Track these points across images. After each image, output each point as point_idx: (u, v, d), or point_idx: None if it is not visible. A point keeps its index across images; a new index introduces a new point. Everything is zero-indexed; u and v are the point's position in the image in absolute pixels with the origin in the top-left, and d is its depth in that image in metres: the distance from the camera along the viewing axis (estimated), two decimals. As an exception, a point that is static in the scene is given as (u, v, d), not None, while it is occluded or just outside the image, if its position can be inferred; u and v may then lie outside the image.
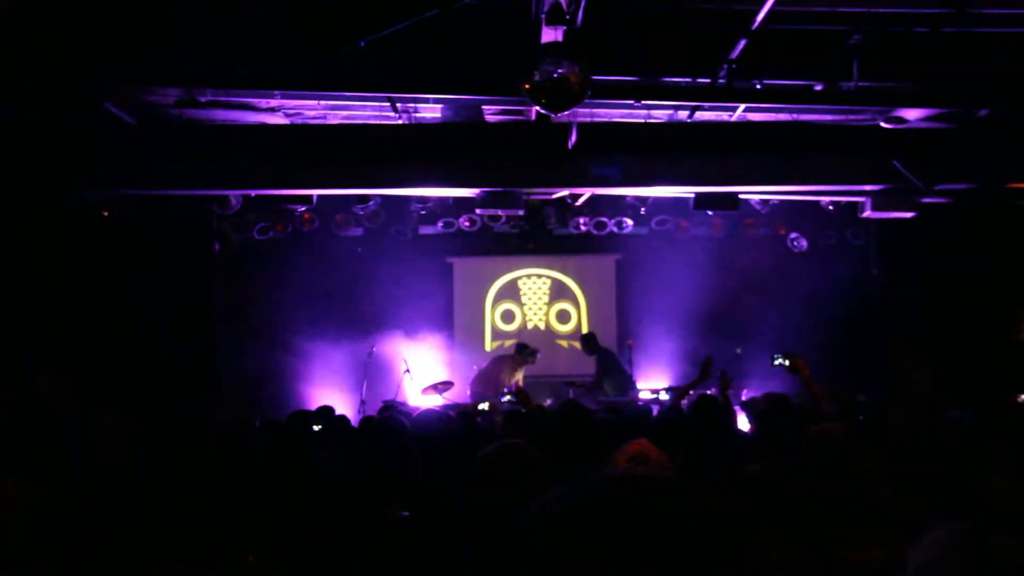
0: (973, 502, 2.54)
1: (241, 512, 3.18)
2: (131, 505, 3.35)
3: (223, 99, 8.76)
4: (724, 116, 9.54)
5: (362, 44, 7.22)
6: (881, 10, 7.15)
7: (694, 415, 5.98)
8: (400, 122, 9.44)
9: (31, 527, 3.03)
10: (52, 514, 3.21)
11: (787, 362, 5.83)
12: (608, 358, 12.10)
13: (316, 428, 7.07)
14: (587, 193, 11.31)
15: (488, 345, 13.79)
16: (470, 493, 2.83)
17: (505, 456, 2.89)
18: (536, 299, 14.14)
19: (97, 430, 5.66)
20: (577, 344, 12.96)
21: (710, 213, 11.77)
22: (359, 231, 12.67)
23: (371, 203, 11.55)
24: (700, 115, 9.41)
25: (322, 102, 9.15)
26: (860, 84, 7.89)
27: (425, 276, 13.43)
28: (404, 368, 11.77)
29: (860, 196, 10.22)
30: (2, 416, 6.25)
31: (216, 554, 2.75)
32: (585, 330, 13.35)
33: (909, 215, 9.94)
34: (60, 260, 9.60)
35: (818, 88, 8.29)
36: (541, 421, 6.07)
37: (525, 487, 2.75)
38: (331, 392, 11.99)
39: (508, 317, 14.06)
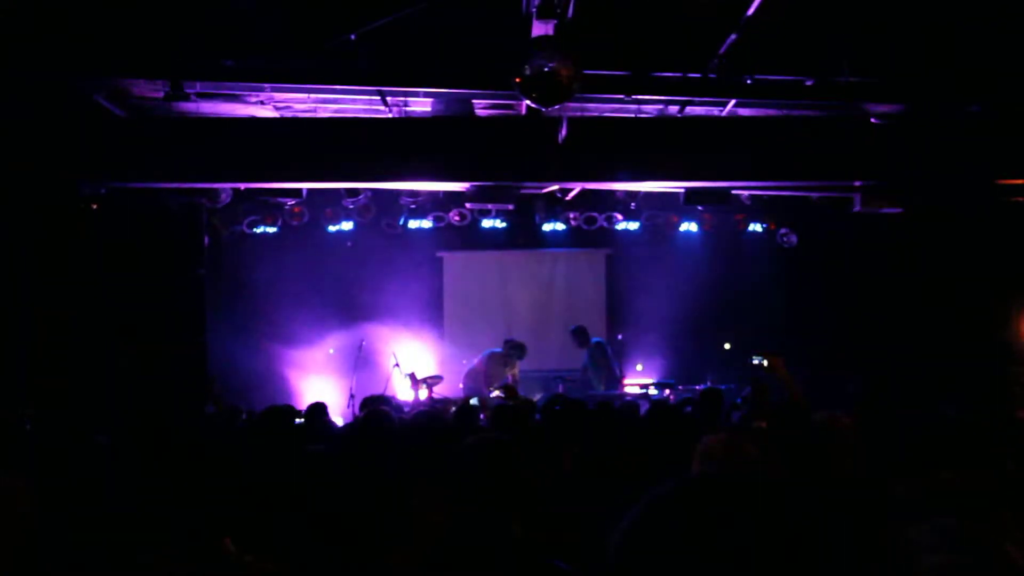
0: (954, 497, 2.55)
1: (235, 506, 3.19)
2: (127, 500, 3.35)
3: (212, 92, 8.73)
4: (715, 111, 9.55)
5: (352, 37, 7.20)
6: (871, 4, 7.16)
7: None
8: (390, 116, 9.42)
9: (36, 524, 3.03)
10: (52, 511, 3.21)
11: (765, 362, 5.88)
12: (598, 352, 12.13)
13: (298, 421, 7.09)
14: (577, 188, 11.31)
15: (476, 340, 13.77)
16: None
17: (483, 449, 2.89)
18: (526, 293, 14.14)
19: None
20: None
21: (700, 208, 11.79)
22: (349, 225, 12.66)
23: (361, 197, 11.53)
24: (691, 110, 9.41)
25: (312, 95, 9.11)
26: (850, 79, 7.91)
27: (415, 270, 13.44)
28: (393, 362, 11.77)
29: (850, 192, 10.25)
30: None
31: (211, 548, 2.76)
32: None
33: (898, 211, 9.97)
34: (50, 255, 9.55)
35: (808, 83, 8.30)
36: (528, 414, 6.09)
37: (502, 480, 2.75)
38: (321, 385, 11.99)
39: (498, 312, 14.05)
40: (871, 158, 9.36)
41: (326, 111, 9.71)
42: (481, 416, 7.87)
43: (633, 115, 9.60)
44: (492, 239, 13.73)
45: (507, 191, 9.81)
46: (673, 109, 9.43)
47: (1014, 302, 11.43)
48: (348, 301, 12.94)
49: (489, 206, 10.59)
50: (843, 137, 9.43)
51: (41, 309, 9.38)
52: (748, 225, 13.02)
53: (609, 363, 12.04)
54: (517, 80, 6.46)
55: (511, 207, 10.40)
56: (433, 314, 13.78)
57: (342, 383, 11.90)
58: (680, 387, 11.32)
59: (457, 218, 12.72)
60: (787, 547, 0.97)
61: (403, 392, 11.26)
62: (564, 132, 8.83)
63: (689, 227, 13.06)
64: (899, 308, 11.84)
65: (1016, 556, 1.78)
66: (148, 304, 10.54)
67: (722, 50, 7.63)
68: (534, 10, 6.38)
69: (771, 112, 9.51)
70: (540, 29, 6.49)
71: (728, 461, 3.23)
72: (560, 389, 11.16)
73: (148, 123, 9.32)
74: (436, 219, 12.83)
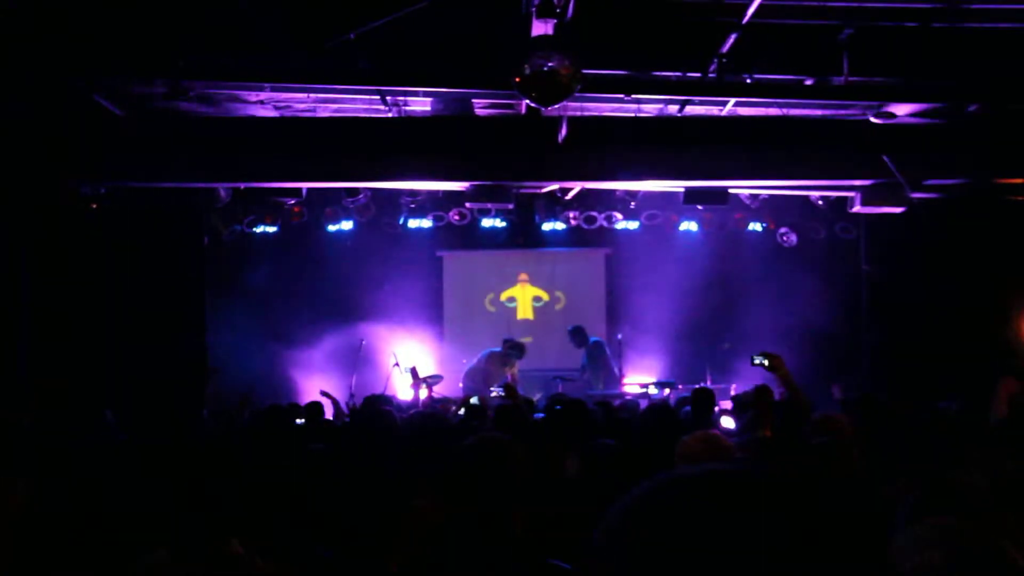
0: (954, 496, 2.55)
1: (236, 506, 3.18)
2: (127, 499, 3.35)
3: (212, 91, 8.73)
4: (714, 110, 9.55)
5: (352, 36, 7.20)
6: (871, 4, 7.16)
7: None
8: (390, 115, 9.42)
9: (36, 525, 3.04)
10: (52, 511, 3.21)
11: (766, 361, 5.91)
12: (597, 351, 12.12)
13: (299, 421, 7.10)
14: (577, 187, 11.31)
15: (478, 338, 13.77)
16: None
17: (483, 449, 2.89)
18: (526, 292, 14.14)
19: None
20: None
21: (700, 207, 11.78)
22: (349, 224, 12.66)
23: (361, 196, 11.52)
24: (690, 109, 9.41)
25: (312, 95, 9.12)
26: (850, 79, 7.91)
27: (415, 269, 13.43)
28: (393, 361, 11.76)
29: (850, 191, 10.25)
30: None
31: (213, 549, 2.75)
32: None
33: (899, 210, 9.97)
34: (49, 255, 9.55)
35: (808, 83, 8.30)
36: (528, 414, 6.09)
37: (502, 480, 2.76)
38: (321, 385, 11.97)
39: (498, 312, 14.05)
40: (871, 158, 9.36)
41: (326, 111, 9.71)
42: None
43: (633, 114, 9.61)
44: (492, 238, 13.71)
45: (507, 190, 9.81)
46: (673, 108, 9.43)
47: (1014, 302, 11.42)
48: (348, 300, 12.93)
49: (489, 205, 10.59)
50: (843, 137, 9.43)
51: (41, 309, 9.39)
52: (748, 224, 13.00)
53: (608, 362, 12.03)
54: (517, 79, 6.46)
55: (511, 206, 10.40)
56: (433, 314, 13.77)
57: (342, 383, 11.89)
58: (680, 386, 11.31)
59: (457, 217, 12.72)
60: (820, 544, 0.91)
61: (403, 392, 11.26)
62: (564, 131, 8.83)
63: (689, 226, 13.04)
64: (899, 308, 11.83)
65: (1016, 556, 1.78)
66: (148, 304, 10.54)
67: (722, 49, 7.64)
68: (534, 10, 6.38)
69: (771, 111, 9.51)
70: (540, 28, 6.50)
71: (708, 461, 3.23)
72: (559, 388, 11.14)
73: (148, 122, 9.31)
74: (436, 218, 12.83)
